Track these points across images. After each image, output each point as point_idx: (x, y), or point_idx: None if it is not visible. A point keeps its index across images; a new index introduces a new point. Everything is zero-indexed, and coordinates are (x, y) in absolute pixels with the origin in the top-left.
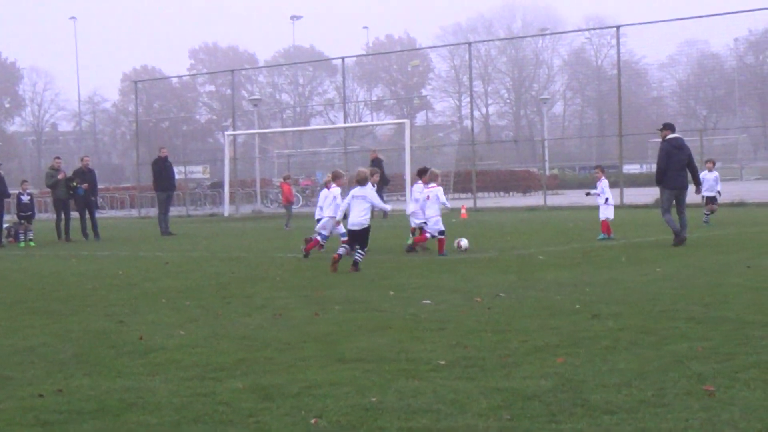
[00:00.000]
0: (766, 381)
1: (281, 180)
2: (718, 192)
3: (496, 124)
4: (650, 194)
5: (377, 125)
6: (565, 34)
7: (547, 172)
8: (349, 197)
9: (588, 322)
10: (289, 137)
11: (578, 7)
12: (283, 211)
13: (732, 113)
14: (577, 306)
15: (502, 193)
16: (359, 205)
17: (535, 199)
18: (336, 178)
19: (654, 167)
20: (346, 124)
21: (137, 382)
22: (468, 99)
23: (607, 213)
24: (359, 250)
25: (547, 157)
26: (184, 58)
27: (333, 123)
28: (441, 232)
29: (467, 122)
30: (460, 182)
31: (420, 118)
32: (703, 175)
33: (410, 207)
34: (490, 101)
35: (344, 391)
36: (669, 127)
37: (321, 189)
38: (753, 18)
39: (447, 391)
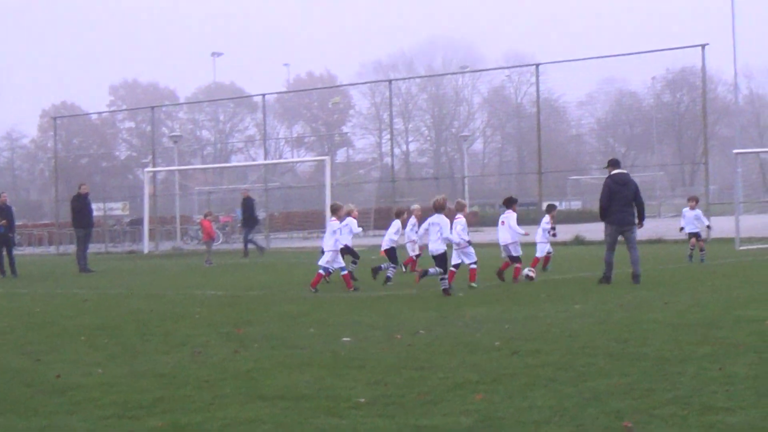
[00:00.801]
0: (683, 417)
1: (202, 217)
2: (708, 227)
3: (416, 161)
4: (569, 231)
5: (298, 162)
6: (485, 71)
7: (467, 209)
8: (426, 223)
9: (507, 358)
10: (209, 174)
11: (498, 44)
12: (203, 247)
13: (650, 151)
14: (497, 343)
15: None
16: (435, 232)
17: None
18: (335, 210)
19: (573, 204)
20: (267, 161)
21: (54, 420)
22: (388, 136)
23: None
24: (443, 276)
25: (467, 194)
26: (104, 95)
27: (253, 160)
28: (456, 265)
29: (387, 159)
30: (380, 219)
31: (341, 155)
32: (684, 211)
33: (503, 237)
34: (410, 138)
35: (264, 428)
36: (613, 163)
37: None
38: (670, 56)
39: (366, 428)
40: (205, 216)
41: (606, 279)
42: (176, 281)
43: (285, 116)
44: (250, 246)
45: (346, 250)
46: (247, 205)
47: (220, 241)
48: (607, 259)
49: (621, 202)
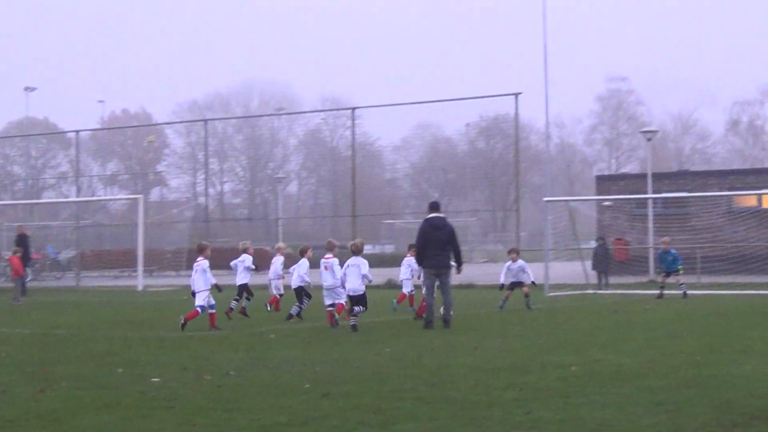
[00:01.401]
0: None
1: (10, 253)
2: (533, 282)
3: (230, 201)
4: (382, 275)
5: (111, 200)
6: (301, 114)
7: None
8: (345, 265)
9: (318, 401)
10: (19, 210)
11: (315, 87)
12: (11, 285)
13: (463, 196)
14: (307, 385)
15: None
16: (354, 273)
17: (267, 278)
18: (202, 250)
19: (387, 248)
20: (79, 198)
21: None
22: (203, 176)
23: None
24: (355, 310)
25: (281, 236)
26: None
27: (66, 197)
28: (330, 305)
29: (202, 199)
30: (192, 259)
31: (155, 194)
32: (507, 264)
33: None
34: (225, 179)
35: None
36: (431, 207)
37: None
38: (484, 104)
39: None
40: (14, 253)
41: (428, 323)
42: None
43: (99, 153)
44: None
45: (243, 288)
46: (22, 242)
47: (29, 279)
48: (427, 302)
49: (436, 246)
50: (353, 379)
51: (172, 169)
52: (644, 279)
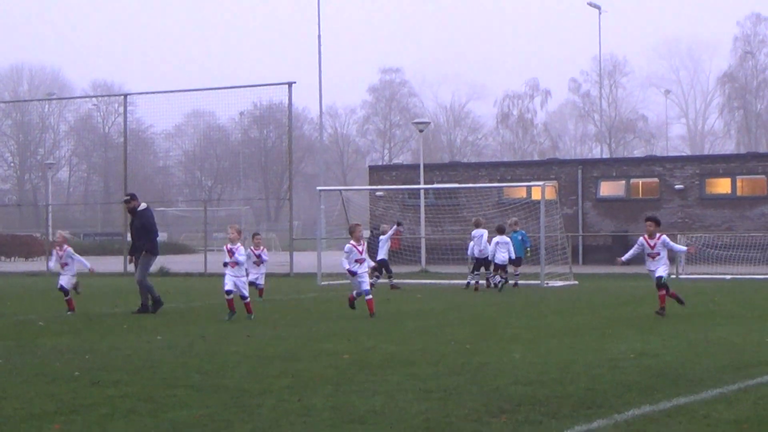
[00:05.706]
0: None
1: None
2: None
3: None
4: (156, 263)
5: None
6: (71, 99)
7: (51, 238)
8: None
9: (87, 389)
10: None
11: (86, 73)
12: None
13: (236, 185)
14: (77, 373)
15: (3, 258)
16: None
17: (37, 265)
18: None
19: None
20: None
21: None
22: None
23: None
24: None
25: (50, 223)
26: None
27: None
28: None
29: None
30: None
31: None
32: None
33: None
34: None
35: None
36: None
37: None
38: (258, 93)
39: None
40: None
41: (156, 305)
42: None
43: None
44: None
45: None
46: None
47: None
48: (149, 286)
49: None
50: (124, 367)
51: None
52: (416, 269)
